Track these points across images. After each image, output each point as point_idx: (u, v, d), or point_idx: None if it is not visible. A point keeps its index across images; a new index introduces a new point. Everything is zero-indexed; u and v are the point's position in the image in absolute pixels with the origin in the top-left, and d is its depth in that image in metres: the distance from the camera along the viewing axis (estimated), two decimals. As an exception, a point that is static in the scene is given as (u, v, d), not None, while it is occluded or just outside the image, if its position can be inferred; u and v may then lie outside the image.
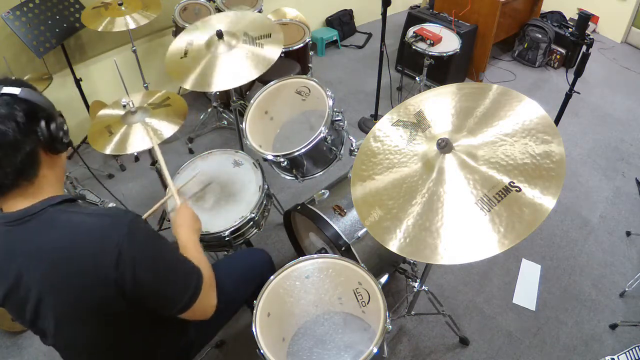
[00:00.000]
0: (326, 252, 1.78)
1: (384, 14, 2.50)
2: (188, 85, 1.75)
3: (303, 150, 1.58)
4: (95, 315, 0.92)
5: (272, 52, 1.80)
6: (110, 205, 2.52)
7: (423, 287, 1.71)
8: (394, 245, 1.09)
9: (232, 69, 1.77)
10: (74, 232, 0.87)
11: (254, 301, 1.34)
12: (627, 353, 1.72)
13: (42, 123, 0.87)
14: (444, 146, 1.12)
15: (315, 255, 1.47)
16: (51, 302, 0.90)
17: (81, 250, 0.86)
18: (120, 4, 2.30)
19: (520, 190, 1.03)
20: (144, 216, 1.36)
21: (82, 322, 0.94)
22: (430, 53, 2.66)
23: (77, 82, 2.57)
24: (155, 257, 0.93)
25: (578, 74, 1.97)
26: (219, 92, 2.81)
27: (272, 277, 1.40)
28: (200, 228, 1.33)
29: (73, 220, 0.88)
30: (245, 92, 3.14)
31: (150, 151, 1.86)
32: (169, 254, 0.99)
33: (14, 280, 0.89)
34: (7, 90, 0.83)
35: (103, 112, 1.73)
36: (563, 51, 3.67)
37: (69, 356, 1.07)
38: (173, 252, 1.02)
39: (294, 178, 1.76)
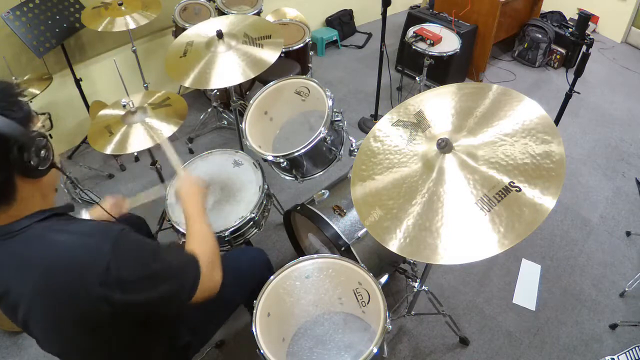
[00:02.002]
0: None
1: (384, 14, 2.50)
2: (187, 83, 1.75)
3: (303, 150, 1.58)
4: (86, 331, 0.92)
5: (272, 52, 1.80)
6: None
7: (423, 287, 1.71)
8: (394, 245, 1.09)
9: (231, 67, 1.77)
10: (59, 251, 0.86)
11: (254, 301, 1.34)
12: (627, 353, 1.72)
13: (14, 152, 0.81)
14: (444, 146, 1.12)
15: (315, 255, 1.47)
16: (39, 317, 0.90)
17: (66, 270, 0.85)
18: (120, 4, 2.30)
19: (520, 190, 1.03)
20: (136, 204, 1.39)
21: (71, 335, 0.94)
22: (430, 53, 2.66)
23: (77, 82, 2.57)
24: (144, 266, 0.92)
25: (578, 74, 1.97)
26: (218, 92, 2.83)
27: (272, 277, 1.40)
28: (205, 192, 1.38)
29: (58, 239, 0.87)
30: (245, 92, 3.14)
31: (149, 151, 1.86)
32: (160, 257, 0.97)
33: (2, 293, 0.89)
34: None
35: (103, 112, 1.73)
36: (563, 51, 3.67)
37: None
38: (164, 252, 0.99)
39: (293, 178, 1.76)
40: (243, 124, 1.75)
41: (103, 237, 0.87)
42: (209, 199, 1.72)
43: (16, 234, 0.86)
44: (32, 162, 0.84)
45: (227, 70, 1.76)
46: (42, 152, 0.86)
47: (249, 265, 1.49)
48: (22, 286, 0.87)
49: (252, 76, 1.74)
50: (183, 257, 1.04)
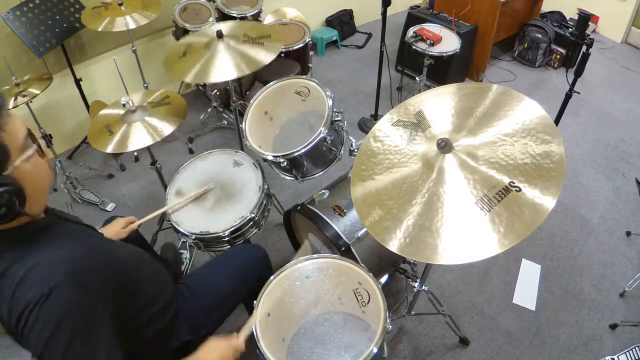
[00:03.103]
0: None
1: (384, 14, 2.50)
2: (188, 79, 1.74)
3: (303, 150, 1.58)
4: None
5: (272, 50, 1.80)
6: (111, 205, 2.53)
7: (423, 287, 1.71)
8: (394, 245, 1.09)
9: (230, 63, 1.76)
10: (8, 280, 0.84)
11: (254, 301, 1.34)
12: (627, 353, 1.72)
13: None
14: (444, 146, 1.12)
15: (315, 255, 1.47)
16: None
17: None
18: (120, 4, 2.30)
19: (520, 190, 1.03)
20: (140, 222, 1.41)
21: None
22: (430, 53, 2.66)
23: (77, 82, 2.57)
24: (44, 334, 0.81)
25: (578, 74, 1.97)
26: (218, 92, 2.83)
27: (272, 277, 1.40)
28: None
29: (12, 267, 0.84)
30: (245, 92, 3.14)
31: (149, 151, 1.86)
32: (61, 343, 0.82)
33: None
34: None
35: (103, 111, 1.73)
36: (563, 51, 3.67)
37: None
38: (73, 347, 0.82)
39: (293, 178, 1.76)
40: (243, 124, 1.75)
41: (32, 288, 0.82)
42: (209, 199, 1.72)
43: None
44: None
45: (225, 65, 1.76)
46: (1, 210, 0.79)
47: (247, 262, 1.50)
48: None
49: (249, 72, 1.73)
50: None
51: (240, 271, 1.46)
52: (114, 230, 1.43)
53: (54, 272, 0.83)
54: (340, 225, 1.67)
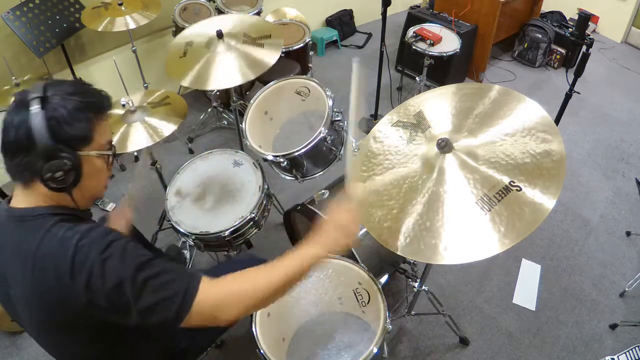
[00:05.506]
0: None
1: (384, 14, 2.50)
2: (186, 82, 1.75)
3: (303, 150, 1.58)
4: (69, 333, 0.90)
5: (272, 53, 1.80)
6: (111, 205, 2.53)
7: (423, 287, 1.71)
8: (394, 245, 1.09)
9: (231, 68, 1.77)
10: (51, 247, 0.84)
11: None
12: (627, 353, 1.72)
13: (33, 154, 0.82)
14: (444, 146, 1.13)
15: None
16: (30, 309, 0.90)
17: (54, 267, 0.82)
18: (120, 4, 2.30)
19: (520, 189, 1.03)
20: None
21: (56, 335, 0.92)
22: (430, 53, 2.66)
23: (77, 82, 2.57)
24: (128, 275, 0.83)
25: (578, 74, 1.97)
26: (219, 92, 2.83)
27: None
28: (353, 233, 1.02)
29: (56, 234, 0.85)
30: (245, 92, 3.14)
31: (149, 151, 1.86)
32: (149, 267, 0.86)
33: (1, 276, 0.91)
34: (31, 104, 0.82)
35: (103, 112, 1.73)
36: (563, 51, 3.67)
37: None
38: (156, 264, 0.87)
39: (294, 178, 1.76)
40: (243, 123, 1.75)
41: (95, 241, 0.84)
42: (209, 199, 1.72)
43: (27, 220, 0.87)
44: (43, 173, 0.84)
45: (227, 71, 1.76)
46: (58, 173, 0.84)
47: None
48: (16, 274, 0.88)
49: (252, 78, 1.74)
50: (179, 272, 0.89)
51: None
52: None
53: (104, 237, 0.86)
54: (340, 225, 1.67)
